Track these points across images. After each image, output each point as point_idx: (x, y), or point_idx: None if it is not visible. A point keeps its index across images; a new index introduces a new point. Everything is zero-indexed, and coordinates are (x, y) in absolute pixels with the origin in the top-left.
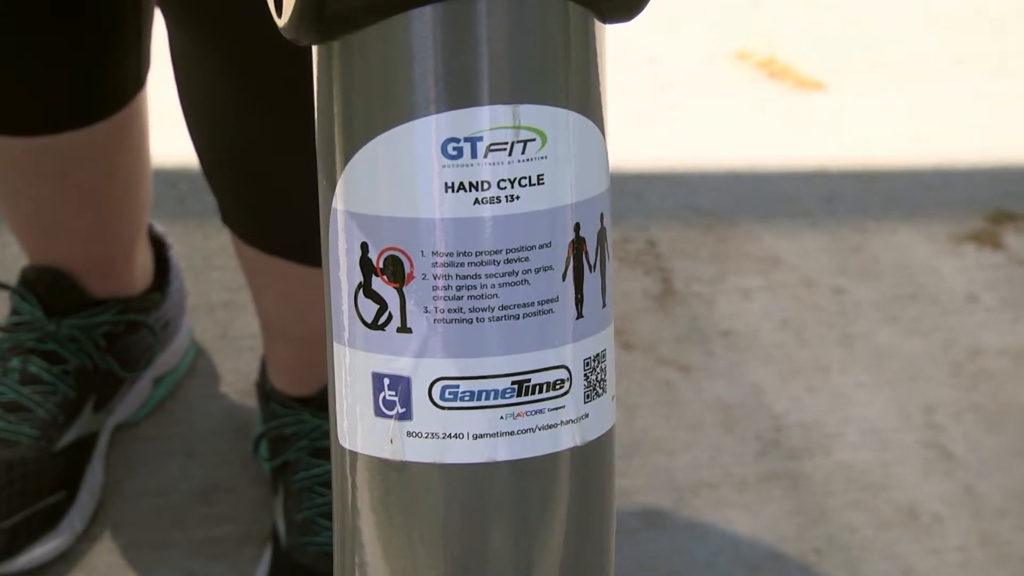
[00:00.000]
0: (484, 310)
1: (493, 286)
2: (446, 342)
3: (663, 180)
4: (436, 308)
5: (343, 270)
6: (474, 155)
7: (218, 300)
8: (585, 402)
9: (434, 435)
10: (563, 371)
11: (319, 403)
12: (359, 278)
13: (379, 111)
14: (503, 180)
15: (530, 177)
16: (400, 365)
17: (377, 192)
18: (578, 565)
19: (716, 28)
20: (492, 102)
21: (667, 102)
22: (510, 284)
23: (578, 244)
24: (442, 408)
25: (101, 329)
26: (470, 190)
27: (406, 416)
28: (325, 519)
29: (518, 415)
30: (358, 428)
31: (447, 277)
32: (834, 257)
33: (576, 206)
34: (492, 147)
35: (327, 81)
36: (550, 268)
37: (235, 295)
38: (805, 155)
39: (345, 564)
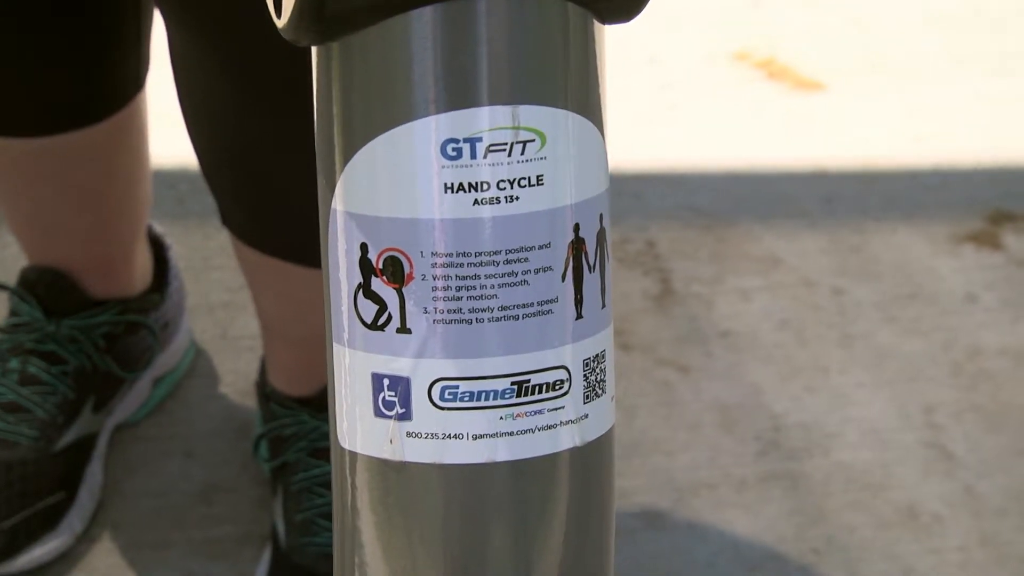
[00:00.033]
0: (484, 311)
1: (493, 287)
2: (446, 343)
3: (662, 180)
4: (436, 309)
5: (343, 271)
6: (473, 156)
7: (218, 300)
8: (585, 403)
9: (434, 435)
10: (563, 372)
11: (319, 404)
12: (359, 279)
13: (379, 112)
14: (502, 181)
15: (529, 178)
16: (400, 366)
17: (377, 193)
18: (578, 565)
19: (716, 28)
20: (491, 103)
21: (667, 102)
22: (510, 285)
23: (577, 245)
24: (442, 408)
25: (100, 330)
26: (469, 191)
27: (406, 416)
28: (324, 520)
29: (518, 416)
30: (358, 428)
31: (447, 278)
32: (833, 257)
33: (575, 207)
34: (491, 148)
35: (326, 82)
36: (549, 269)
37: (235, 295)
38: (804, 155)
39: (345, 564)
